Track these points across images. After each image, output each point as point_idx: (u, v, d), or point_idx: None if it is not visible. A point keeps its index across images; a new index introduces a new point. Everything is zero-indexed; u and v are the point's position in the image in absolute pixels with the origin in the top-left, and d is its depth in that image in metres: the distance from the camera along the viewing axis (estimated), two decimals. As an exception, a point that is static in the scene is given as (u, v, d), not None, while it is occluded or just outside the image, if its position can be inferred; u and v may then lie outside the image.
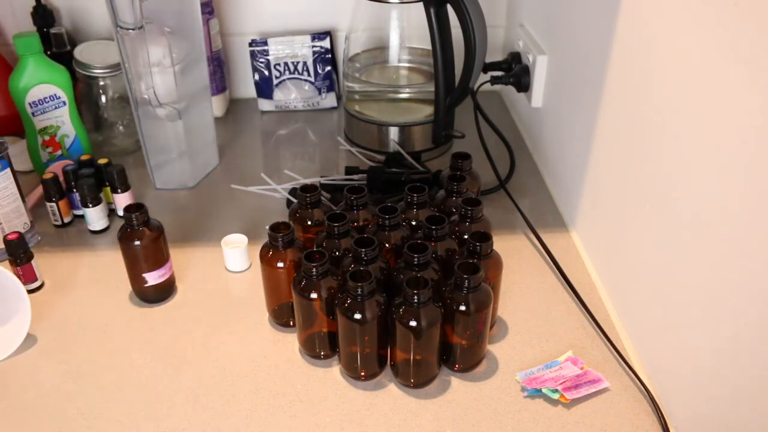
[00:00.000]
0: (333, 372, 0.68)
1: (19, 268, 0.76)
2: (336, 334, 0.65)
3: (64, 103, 0.95)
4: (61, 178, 0.88)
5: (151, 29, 0.84)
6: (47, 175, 0.86)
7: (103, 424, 0.62)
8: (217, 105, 1.16)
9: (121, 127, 1.05)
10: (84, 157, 0.90)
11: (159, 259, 0.74)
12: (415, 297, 0.60)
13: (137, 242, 0.72)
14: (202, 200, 0.95)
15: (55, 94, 0.94)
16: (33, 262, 0.77)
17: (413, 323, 0.60)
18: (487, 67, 1.05)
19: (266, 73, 1.16)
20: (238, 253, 0.80)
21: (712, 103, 0.53)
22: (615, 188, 0.74)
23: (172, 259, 0.77)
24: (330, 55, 1.16)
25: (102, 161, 0.89)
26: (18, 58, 0.90)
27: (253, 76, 1.17)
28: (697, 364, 0.57)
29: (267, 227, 0.69)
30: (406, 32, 1.04)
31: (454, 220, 0.72)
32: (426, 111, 1.02)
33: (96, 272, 0.81)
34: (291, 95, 1.18)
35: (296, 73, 1.16)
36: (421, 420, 0.62)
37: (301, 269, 0.65)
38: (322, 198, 0.77)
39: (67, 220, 0.89)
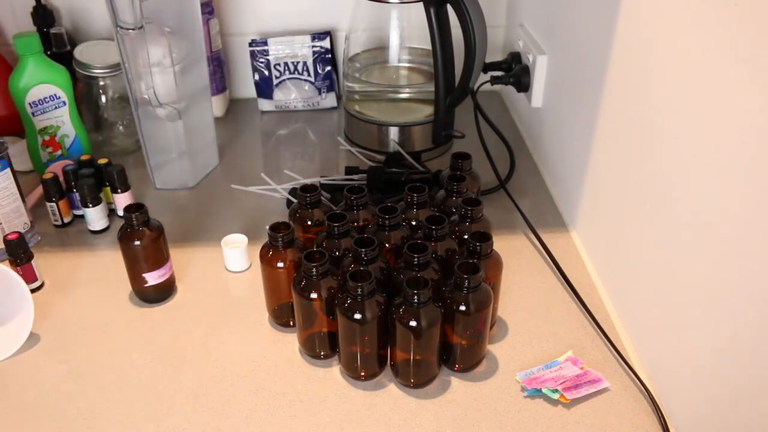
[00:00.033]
0: (333, 372, 0.68)
1: (19, 268, 0.76)
2: (336, 334, 0.65)
3: (64, 103, 0.95)
4: (61, 178, 0.88)
5: (151, 29, 0.84)
6: (47, 175, 0.86)
7: (103, 424, 0.62)
8: (217, 105, 1.16)
9: (121, 127, 1.05)
10: (84, 157, 0.90)
11: (159, 259, 0.74)
12: (415, 297, 0.60)
13: (137, 242, 0.72)
14: (202, 200, 0.95)
15: (55, 94, 0.94)
16: (33, 262, 0.77)
17: (413, 323, 0.60)
18: (487, 67, 1.05)
19: (266, 73, 1.16)
20: (238, 253, 0.80)
21: (712, 103, 0.53)
22: (615, 188, 0.74)
23: (172, 259, 0.77)
24: (330, 55, 1.16)
25: (102, 161, 0.89)
26: (18, 58, 0.90)
27: (253, 76, 1.17)
28: (697, 364, 0.57)
29: (267, 227, 0.69)
30: (406, 32, 1.04)
31: (454, 220, 0.72)
32: (426, 111, 1.02)
33: (96, 272, 0.81)
34: (291, 95, 1.18)
35: (296, 73, 1.16)
36: (421, 420, 0.62)
37: (301, 269, 0.65)
38: (322, 198, 0.77)
39: (67, 220, 0.89)
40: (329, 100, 1.19)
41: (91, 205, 0.85)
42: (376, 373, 0.66)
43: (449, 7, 0.91)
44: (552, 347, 0.70)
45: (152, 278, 0.74)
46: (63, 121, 0.96)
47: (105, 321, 0.74)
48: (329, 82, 1.18)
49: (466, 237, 0.69)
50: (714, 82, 0.53)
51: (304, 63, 1.15)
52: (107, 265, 0.82)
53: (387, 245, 0.70)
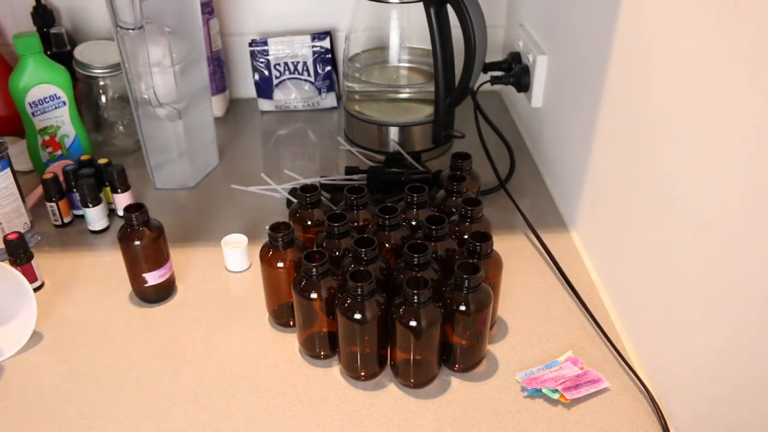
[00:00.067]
0: (333, 372, 0.68)
1: (19, 268, 0.75)
2: (336, 334, 0.65)
3: (64, 103, 0.95)
4: (61, 178, 0.88)
5: (151, 29, 0.84)
6: (47, 175, 0.86)
7: (103, 424, 0.62)
8: (217, 105, 1.16)
9: (121, 127, 1.05)
10: (84, 157, 0.90)
11: (159, 259, 0.74)
12: (415, 297, 0.60)
13: (137, 242, 0.72)
14: (202, 200, 0.95)
15: (55, 94, 0.94)
16: (33, 262, 0.77)
17: (413, 323, 0.60)
18: (487, 67, 1.05)
19: (266, 73, 1.16)
20: (238, 253, 0.80)
21: (712, 103, 0.53)
22: (615, 188, 0.74)
23: (172, 259, 0.77)
24: (330, 55, 1.16)
25: (102, 161, 0.89)
26: (18, 58, 0.90)
27: (253, 76, 1.17)
28: (697, 364, 0.57)
29: (267, 227, 0.69)
30: (406, 32, 1.04)
31: (454, 220, 0.72)
32: (426, 111, 1.02)
33: (96, 272, 0.81)
34: (291, 95, 1.18)
35: (296, 73, 1.16)
36: (421, 420, 0.62)
37: (301, 269, 0.65)
38: (322, 198, 0.77)
39: (67, 220, 0.89)
40: (329, 100, 1.19)
41: (91, 205, 0.85)
42: (376, 373, 0.66)
43: (449, 7, 0.91)
44: (552, 347, 0.70)
45: (152, 278, 0.74)
46: (63, 121, 0.96)
47: (105, 321, 0.74)
48: (329, 82, 1.18)
49: (466, 237, 0.69)
50: (714, 82, 0.53)
51: (304, 63, 1.15)
52: (107, 265, 0.82)
53: (387, 245, 0.70)
